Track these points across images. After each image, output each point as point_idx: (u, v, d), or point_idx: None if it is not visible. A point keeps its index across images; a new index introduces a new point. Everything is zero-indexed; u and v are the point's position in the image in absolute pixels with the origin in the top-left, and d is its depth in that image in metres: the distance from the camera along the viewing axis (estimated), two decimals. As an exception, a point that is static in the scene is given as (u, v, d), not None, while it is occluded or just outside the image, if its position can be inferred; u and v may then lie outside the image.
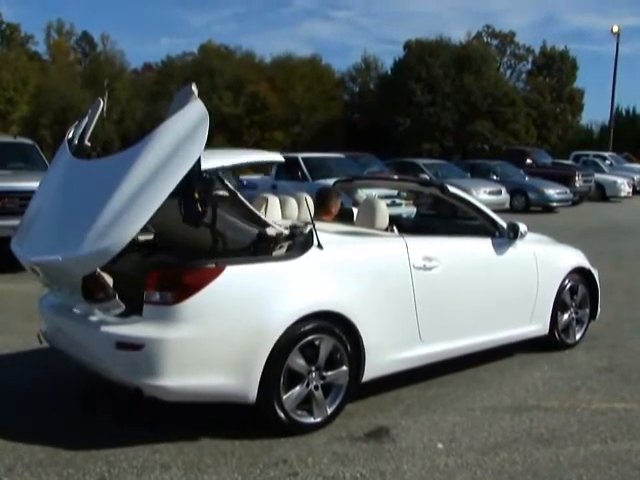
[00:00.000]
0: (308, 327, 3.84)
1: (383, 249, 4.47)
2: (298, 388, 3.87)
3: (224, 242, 3.93)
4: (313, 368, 3.91)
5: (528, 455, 3.71)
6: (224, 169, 4.03)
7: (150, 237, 4.59)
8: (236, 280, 3.67)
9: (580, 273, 5.78)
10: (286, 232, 3.98)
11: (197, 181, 3.57)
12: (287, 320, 3.75)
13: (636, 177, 26.80)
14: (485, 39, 52.47)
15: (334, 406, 4.02)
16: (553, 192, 20.08)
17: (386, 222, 4.71)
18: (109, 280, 3.63)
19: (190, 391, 3.62)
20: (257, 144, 41.75)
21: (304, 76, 49.12)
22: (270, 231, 3.91)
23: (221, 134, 40.46)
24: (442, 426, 4.08)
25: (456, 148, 43.36)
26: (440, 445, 3.82)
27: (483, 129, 44.22)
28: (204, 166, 3.59)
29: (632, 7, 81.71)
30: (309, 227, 4.04)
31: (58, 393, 4.56)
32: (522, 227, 5.13)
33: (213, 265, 3.62)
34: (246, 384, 3.67)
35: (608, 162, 27.69)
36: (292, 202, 4.80)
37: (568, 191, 20.54)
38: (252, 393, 3.69)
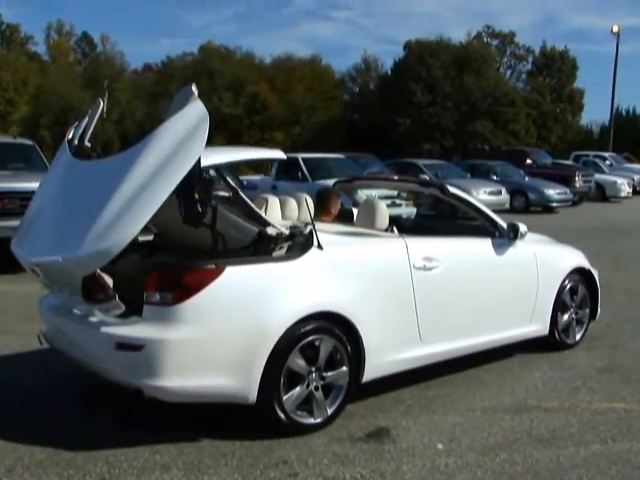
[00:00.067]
0: (308, 328, 3.84)
1: (383, 249, 4.46)
2: (298, 389, 3.87)
3: (224, 242, 3.93)
4: (313, 369, 3.91)
5: (528, 455, 3.71)
6: (227, 165, 4.03)
7: (150, 238, 4.60)
8: (236, 281, 3.67)
9: (580, 273, 5.78)
10: (286, 232, 3.98)
11: (197, 181, 3.57)
12: (287, 321, 3.75)
13: (636, 177, 26.79)
14: (485, 39, 52.47)
15: (334, 407, 4.01)
16: (553, 192, 20.09)
17: (386, 222, 4.71)
18: (109, 281, 3.63)
19: (190, 392, 3.61)
20: (257, 144, 41.47)
21: (304, 76, 49.09)
22: (271, 230, 3.92)
23: (221, 134, 40.45)
24: (442, 426, 4.08)
25: (456, 148, 43.35)
26: (440, 445, 3.82)
27: (483, 129, 44.21)
28: (207, 162, 3.59)
29: (632, 7, 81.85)
30: (309, 227, 4.04)
31: (58, 394, 4.55)
32: (522, 227, 5.13)
33: (213, 266, 3.61)
34: (246, 385, 3.67)
35: (608, 162, 27.68)
36: (292, 203, 4.80)
37: (568, 191, 20.54)
38: (252, 394, 3.69)
